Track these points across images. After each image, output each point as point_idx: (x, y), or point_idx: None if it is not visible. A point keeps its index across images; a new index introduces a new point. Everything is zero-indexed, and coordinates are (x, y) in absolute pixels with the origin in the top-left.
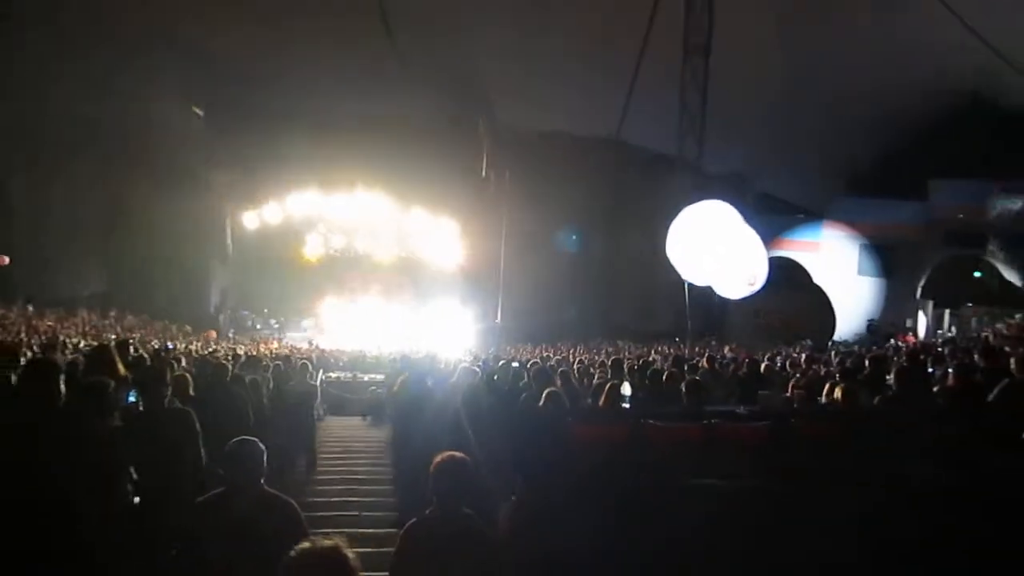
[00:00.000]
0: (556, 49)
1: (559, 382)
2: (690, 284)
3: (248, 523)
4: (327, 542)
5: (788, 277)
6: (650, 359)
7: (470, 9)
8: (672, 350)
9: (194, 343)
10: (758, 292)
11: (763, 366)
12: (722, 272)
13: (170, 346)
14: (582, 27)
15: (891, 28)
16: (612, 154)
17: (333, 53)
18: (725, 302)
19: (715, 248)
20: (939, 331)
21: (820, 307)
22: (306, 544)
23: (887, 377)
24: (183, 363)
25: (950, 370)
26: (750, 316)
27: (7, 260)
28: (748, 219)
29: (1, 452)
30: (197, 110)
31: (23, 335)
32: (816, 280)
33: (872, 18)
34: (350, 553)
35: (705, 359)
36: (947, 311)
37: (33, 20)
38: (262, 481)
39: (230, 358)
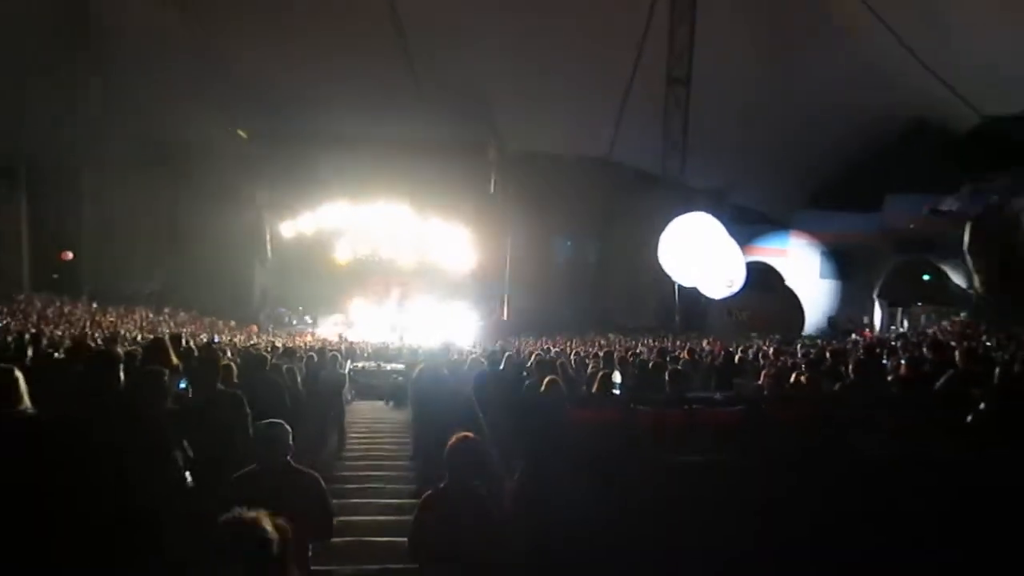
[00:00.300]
0: (555, 81)
1: (559, 371)
2: (679, 285)
3: (276, 496)
4: (250, 515)
5: (763, 280)
6: (637, 351)
7: (481, 48)
8: (657, 343)
9: (238, 336)
10: (737, 292)
11: (737, 357)
12: (706, 275)
13: (216, 339)
14: (578, 62)
15: (848, 60)
16: (604, 172)
17: (360, 85)
18: (705, 301)
19: (699, 254)
20: (892, 327)
21: (790, 306)
22: (230, 515)
23: (846, 367)
24: (228, 354)
25: (902, 361)
26: (726, 313)
27: (71, 255)
28: (726, 228)
29: (69, 433)
30: (242, 134)
31: (87, 329)
32: (788, 283)
33: (831, 52)
34: (268, 526)
35: (686, 351)
36: (899, 310)
37: (108, 54)
38: (289, 458)
39: (269, 350)
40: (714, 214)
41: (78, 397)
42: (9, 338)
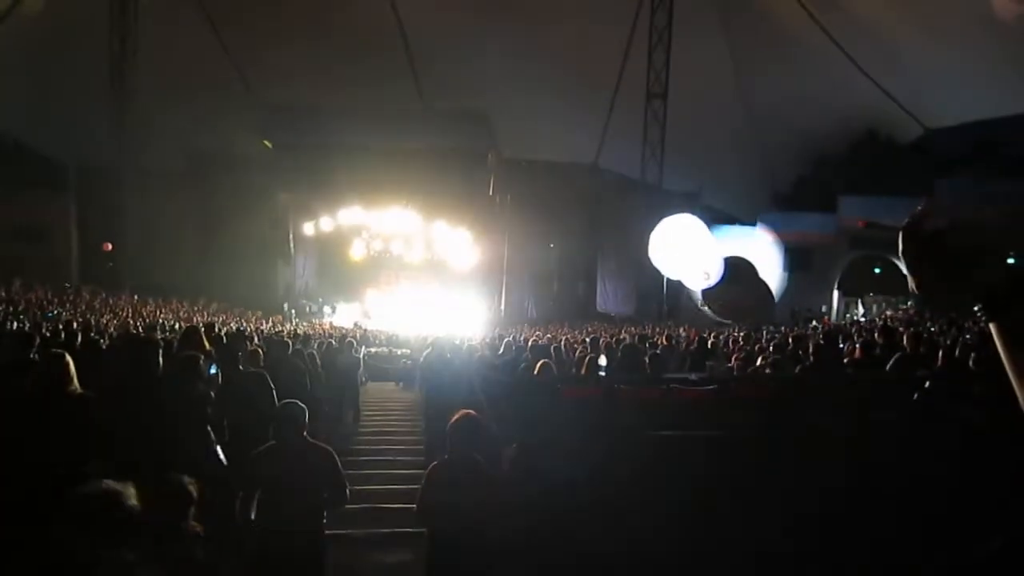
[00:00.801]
0: (548, 95)
1: (551, 356)
2: (667, 278)
3: (293, 469)
4: (113, 487)
5: (737, 273)
6: (621, 337)
7: (481, 65)
8: (638, 330)
9: (264, 325)
10: (714, 284)
11: (710, 342)
12: (686, 268)
13: (244, 327)
14: (569, 78)
15: (805, 77)
16: (592, 177)
17: (373, 99)
18: (685, 292)
19: (681, 250)
20: (847, 315)
21: (762, 297)
22: (90, 486)
23: (806, 351)
24: (255, 340)
25: (856, 345)
26: (700, 304)
27: (111, 246)
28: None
29: (114, 412)
30: (267, 144)
31: (130, 318)
32: (762, 275)
33: (790, 70)
34: (130, 498)
35: (664, 337)
36: (856, 299)
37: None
38: (305, 434)
39: (291, 336)
40: (687, 214)
41: (123, 379)
42: (60, 326)
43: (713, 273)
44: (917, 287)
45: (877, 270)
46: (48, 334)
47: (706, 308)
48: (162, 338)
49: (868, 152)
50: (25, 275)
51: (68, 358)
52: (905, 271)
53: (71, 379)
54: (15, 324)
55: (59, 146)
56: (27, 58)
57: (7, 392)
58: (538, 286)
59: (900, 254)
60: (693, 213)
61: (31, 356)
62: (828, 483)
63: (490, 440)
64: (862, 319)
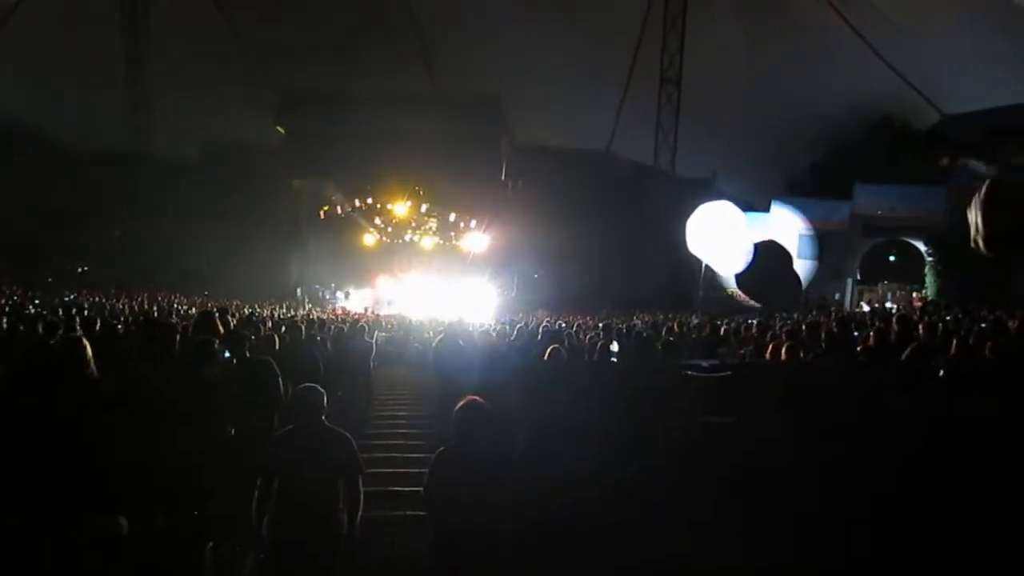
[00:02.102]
0: (561, 81)
1: (563, 341)
2: (705, 264)
3: (311, 452)
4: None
5: (769, 257)
6: (632, 323)
7: (494, 52)
8: (650, 316)
9: (277, 310)
10: (746, 268)
11: (722, 330)
12: (717, 254)
13: (257, 312)
14: (582, 64)
15: (822, 63)
16: (604, 164)
17: (386, 85)
18: (695, 278)
19: (713, 237)
20: (860, 303)
21: (792, 281)
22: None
23: (819, 339)
24: (269, 325)
25: (871, 333)
26: (713, 290)
27: (119, 233)
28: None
29: (131, 393)
30: (281, 130)
31: (145, 304)
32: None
33: (807, 56)
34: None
35: (676, 323)
36: (871, 287)
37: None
38: (323, 418)
39: (305, 321)
40: (702, 201)
41: (141, 361)
42: (74, 310)
43: (742, 261)
44: (987, 239)
45: (892, 257)
46: (65, 318)
47: (735, 292)
48: (178, 322)
49: (884, 139)
50: (42, 260)
51: (85, 342)
52: (977, 225)
53: (88, 362)
54: (33, 309)
55: (75, 133)
56: (42, 47)
57: (27, 377)
58: (550, 271)
59: (980, 203)
60: (705, 200)
61: (52, 343)
62: (839, 471)
63: (498, 426)
64: (869, 306)
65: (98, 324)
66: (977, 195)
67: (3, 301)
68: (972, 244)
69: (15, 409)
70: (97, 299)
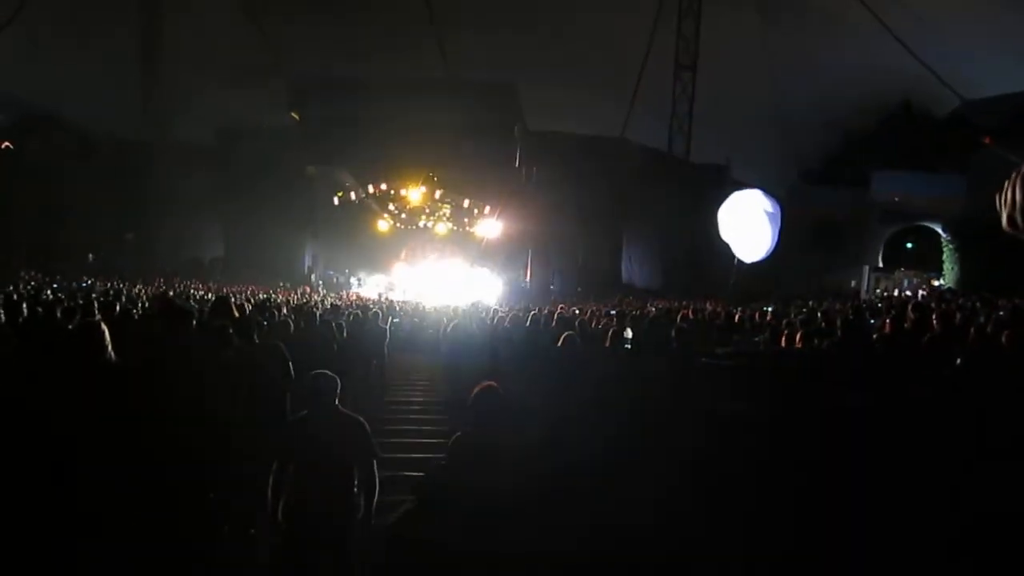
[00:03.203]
0: (575, 68)
1: (576, 328)
2: (737, 256)
3: (325, 437)
4: None
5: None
6: (647, 310)
7: (507, 37)
8: (664, 303)
9: (292, 296)
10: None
11: (736, 317)
12: (739, 241)
13: (273, 297)
14: (596, 51)
15: (839, 47)
16: (618, 150)
17: (400, 71)
18: (710, 265)
19: (740, 223)
20: (877, 291)
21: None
22: None
23: (834, 327)
24: (284, 311)
25: (887, 321)
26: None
27: (132, 236)
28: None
29: (147, 376)
30: (295, 116)
31: (162, 288)
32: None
33: (824, 40)
34: None
35: (690, 311)
36: (884, 275)
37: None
38: (336, 403)
39: (319, 307)
40: (715, 190)
41: (157, 345)
42: (93, 294)
43: (764, 249)
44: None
45: (909, 245)
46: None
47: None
48: (194, 308)
49: (902, 125)
50: (58, 247)
51: (103, 327)
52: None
53: (105, 347)
54: (50, 294)
55: (90, 120)
56: (58, 33)
57: (44, 361)
58: (564, 259)
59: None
60: (719, 187)
61: (69, 327)
62: (853, 459)
63: (513, 412)
64: (890, 295)
65: (116, 309)
66: (1017, 173)
67: (21, 287)
68: (1006, 224)
69: (34, 393)
70: (113, 285)
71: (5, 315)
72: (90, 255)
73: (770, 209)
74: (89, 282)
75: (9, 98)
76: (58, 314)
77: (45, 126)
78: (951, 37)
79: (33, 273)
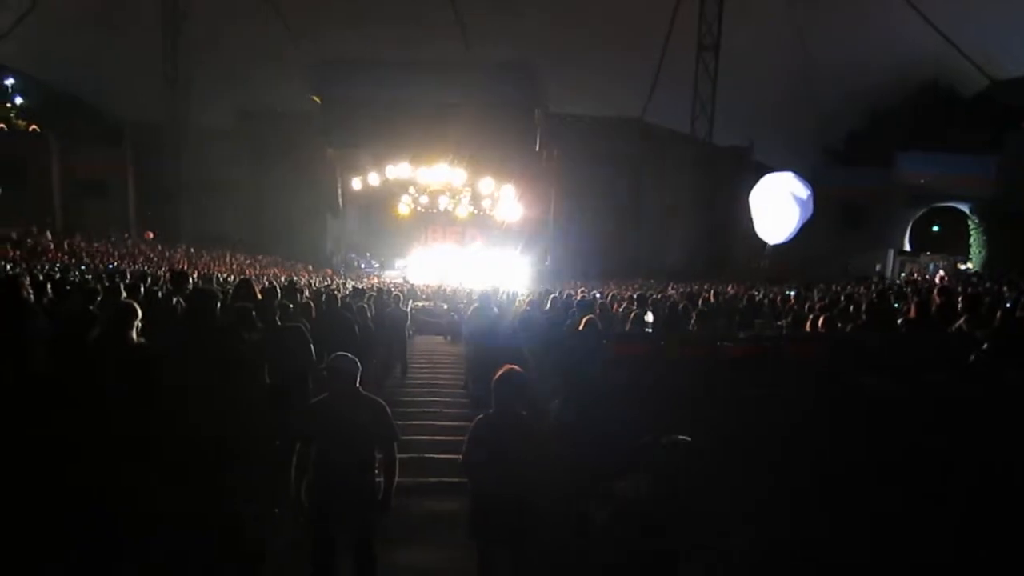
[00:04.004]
0: (595, 49)
1: (597, 311)
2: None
3: (346, 419)
4: None
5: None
6: (667, 293)
7: (528, 19)
8: (685, 286)
9: (314, 278)
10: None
11: (759, 300)
12: (766, 221)
13: (295, 280)
14: (617, 31)
15: (865, 27)
16: (639, 132)
17: (422, 55)
18: (732, 248)
19: (766, 204)
20: (902, 274)
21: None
22: None
23: (858, 310)
24: (306, 294)
25: (912, 305)
26: (749, 260)
27: (151, 235)
28: (747, 183)
29: (175, 356)
30: (317, 100)
31: (187, 268)
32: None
33: (849, 18)
34: None
35: (712, 293)
36: (909, 258)
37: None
38: (357, 385)
39: (341, 290)
40: (736, 171)
41: (183, 327)
42: (117, 277)
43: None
44: None
45: (935, 228)
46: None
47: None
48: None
49: (929, 105)
50: (85, 228)
51: (136, 308)
52: None
53: (133, 327)
54: (77, 276)
55: (116, 103)
56: (83, 19)
57: (70, 342)
58: (584, 241)
59: None
60: (741, 168)
61: (92, 309)
62: (878, 443)
63: (534, 395)
64: (916, 278)
65: (141, 290)
66: None
67: (48, 267)
68: None
69: (63, 372)
70: (139, 266)
71: (33, 295)
72: (125, 235)
73: (802, 195)
74: (114, 264)
75: (34, 82)
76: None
77: (69, 109)
78: (979, 15)
79: (60, 255)
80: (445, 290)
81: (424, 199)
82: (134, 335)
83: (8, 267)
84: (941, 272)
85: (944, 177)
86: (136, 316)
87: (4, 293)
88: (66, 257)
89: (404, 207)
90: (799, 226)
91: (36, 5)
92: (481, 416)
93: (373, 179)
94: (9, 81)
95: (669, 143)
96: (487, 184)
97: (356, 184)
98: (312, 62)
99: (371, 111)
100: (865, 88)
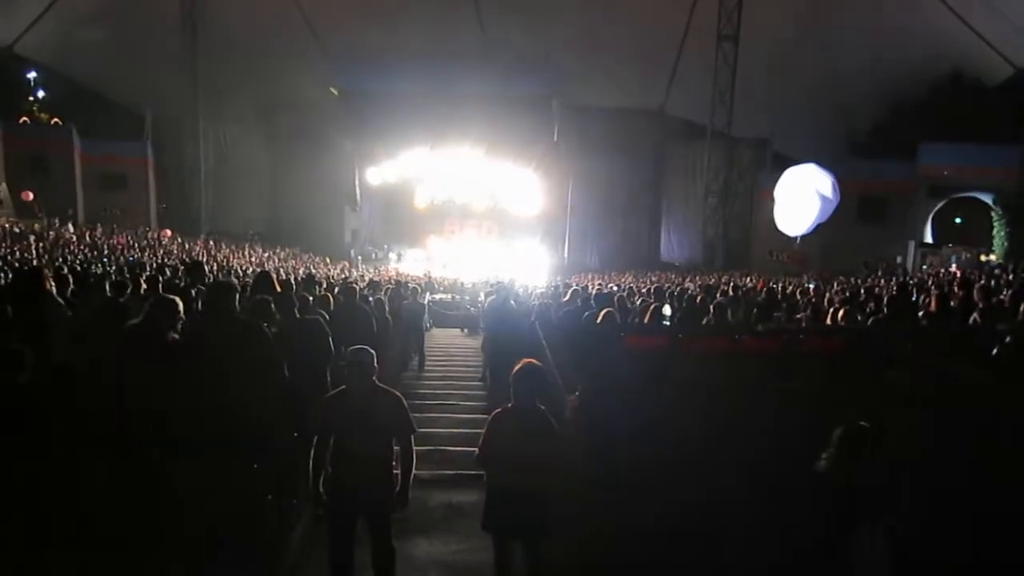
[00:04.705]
0: (613, 39)
1: (615, 305)
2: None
3: (364, 411)
4: None
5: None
6: (685, 286)
7: (546, 9)
8: (703, 279)
9: (332, 270)
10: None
11: (777, 293)
12: (786, 213)
13: (314, 272)
14: (635, 21)
15: (888, 15)
16: (657, 124)
17: (439, 46)
18: (751, 240)
19: (788, 196)
20: (923, 267)
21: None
22: None
23: (879, 303)
24: (324, 286)
25: (932, 298)
26: (768, 252)
27: (168, 233)
28: (766, 175)
29: (197, 349)
30: (334, 91)
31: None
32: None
33: (871, 7)
34: None
35: (730, 286)
36: (931, 250)
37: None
38: (375, 379)
39: (358, 282)
40: (757, 162)
41: (203, 319)
42: (138, 270)
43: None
44: None
45: (957, 220)
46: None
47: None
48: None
49: (952, 95)
50: (107, 221)
51: (177, 303)
52: None
53: (176, 322)
54: (99, 268)
55: (136, 96)
56: (104, 12)
57: (104, 333)
58: (602, 234)
59: None
60: (761, 160)
61: (121, 301)
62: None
63: (553, 389)
64: (938, 271)
65: (159, 284)
66: None
67: (70, 259)
68: None
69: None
70: (159, 259)
71: (56, 288)
72: (146, 229)
73: (827, 193)
74: (136, 256)
75: (56, 76)
76: (107, 289)
77: (91, 102)
78: (1003, 3)
79: (83, 248)
80: (462, 283)
81: (441, 191)
82: (171, 330)
83: (31, 259)
84: (954, 266)
85: (967, 168)
86: (176, 311)
87: (27, 284)
88: (87, 249)
89: (421, 199)
90: (817, 222)
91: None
92: (499, 410)
93: (390, 171)
94: (31, 75)
95: (688, 134)
96: (504, 176)
97: (374, 176)
98: (330, 54)
99: (389, 103)
100: (888, 77)
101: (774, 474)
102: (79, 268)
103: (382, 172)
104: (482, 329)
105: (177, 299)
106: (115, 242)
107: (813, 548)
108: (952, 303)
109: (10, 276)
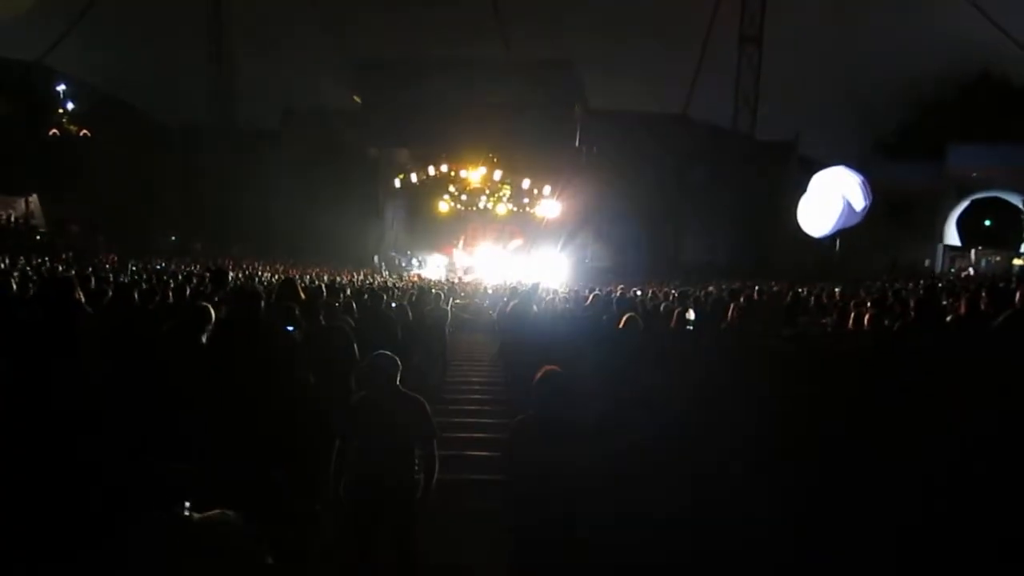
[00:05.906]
0: (635, 44)
1: (638, 309)
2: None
3: (387, 416)
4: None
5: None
6: (709, 290)
7: (570, 20)
8: (727, 283)
9: (356, 277)
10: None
11: (803, 297)
12: (810, 214)
13: (338, 279)
14: (657, 27)
15: (914, 16)
16: (680, 128)
17: (461, 55)
18: (774, 245)
19: (815, 197)
20: (952, 270)
21: None
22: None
23: (906, 307)
24: (348, 292)
25: (962, 301)
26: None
27: (199, 247)
28: (788, 179)
29: (221, 353)
30: (357, 99)
31: (232, 270)
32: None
33: (897, 9)
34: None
35: (755, 291)
36: (959, 253)
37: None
38: (398, 383)
39: (383, 288)
40: (781, 165)
41: (229, 325)
42: (166, 277)
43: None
44: None
45: (987, 222)
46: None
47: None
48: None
49: (980, 96)
50: (135, 230)
51: (211, 311)
52: None
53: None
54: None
55: (164, 107)
56: (131, 24)
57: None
58: (625, 238)
59: None
60: (785, 163)
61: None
62: (929, 443)
63: (576, 395)
64: (968, 273)
65: (187, 291)
66: None
67: (98, 265)
68: None
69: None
70: (186, 266)
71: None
72: (172, 238)
73: (854, 198)
74: (162, 264)
75: (85, 87)
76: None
77: (119, 113)
78: None
79: (110, 256)
80: (486, 288)
81: (464, 197)
82: (203, 337)
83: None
84: (970, 270)
85: (996, 169)
86: (209, 320)
87: (58, 293)
88: (116, 259)
89: (444, 205)
90: (839, 226)
91: (85, 14)
92: (521, 417)
93: (413, 178)
94: (61, 87)
95: (711, 138)
96: (527, 181)
97: (397, 183)
98: (353, 62)
99: (411, 110)
100: (916, 79)
101: (796, 480)
102: (109, 277)
103: (405, 178)
104: (504, 334)
105: (209, 308)
106: (144, 251)
107: None
108: (982, 307)
109: (42, 284)
